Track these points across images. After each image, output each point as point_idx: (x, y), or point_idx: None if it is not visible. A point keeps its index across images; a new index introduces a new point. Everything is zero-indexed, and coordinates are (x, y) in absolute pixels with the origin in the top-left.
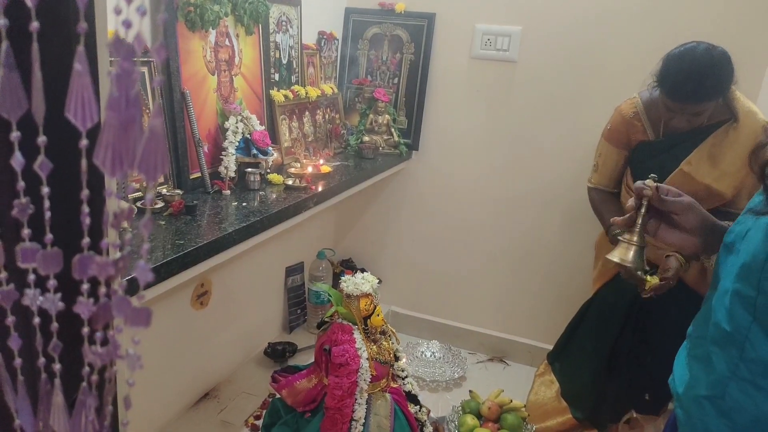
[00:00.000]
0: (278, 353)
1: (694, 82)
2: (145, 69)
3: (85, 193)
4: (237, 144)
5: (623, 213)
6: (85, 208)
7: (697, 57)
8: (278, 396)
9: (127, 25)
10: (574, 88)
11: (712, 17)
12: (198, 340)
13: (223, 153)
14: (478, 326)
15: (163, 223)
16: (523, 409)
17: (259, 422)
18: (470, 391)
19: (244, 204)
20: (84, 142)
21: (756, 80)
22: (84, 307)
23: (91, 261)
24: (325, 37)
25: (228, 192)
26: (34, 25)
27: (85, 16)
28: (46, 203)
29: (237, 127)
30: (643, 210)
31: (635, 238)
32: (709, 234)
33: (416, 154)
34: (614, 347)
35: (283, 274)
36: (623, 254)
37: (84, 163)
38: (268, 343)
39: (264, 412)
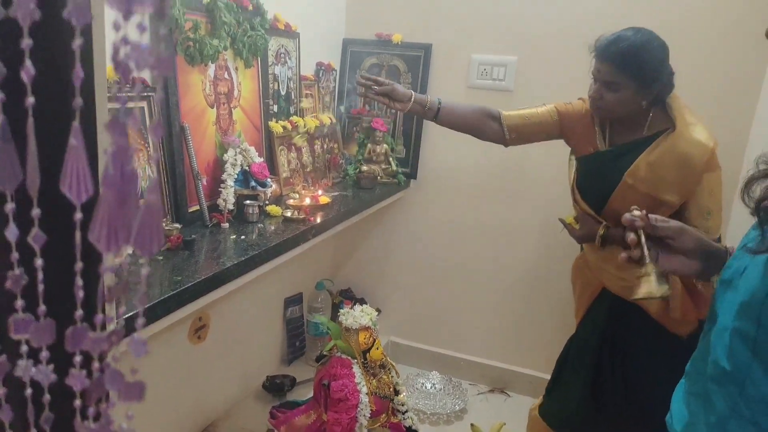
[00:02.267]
0: (277, 387)
1: (612, 41)
2: (144, 104)
3: (78, 265)
4: (236, 176)
5: (478, 127)
6: (79, 281)
7: (632, 29)
8: None
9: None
10: None
11: (710, 43)
12: (195, 374)
13: (222, 185)
14: (478, 356)
15: (160, 258)
16: None
17: None
18: (472, 425)
19: (242, 237)
20: (78, 216)
21: (754, 95)
22: (76, 379)
23: (84, 335)
24: (323, 68)
25: (226, 225)
26: (30, 100)
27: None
28: (40, 275)
29: (236, 160)
30: (643, 240)
31: (649, 269)
32: (708, 257)
33: (414, 183)
34: (596, 382)
35: (281, 306)
36: (648, 288)
37: (78, 235)
38: (267, 377)
39: None
